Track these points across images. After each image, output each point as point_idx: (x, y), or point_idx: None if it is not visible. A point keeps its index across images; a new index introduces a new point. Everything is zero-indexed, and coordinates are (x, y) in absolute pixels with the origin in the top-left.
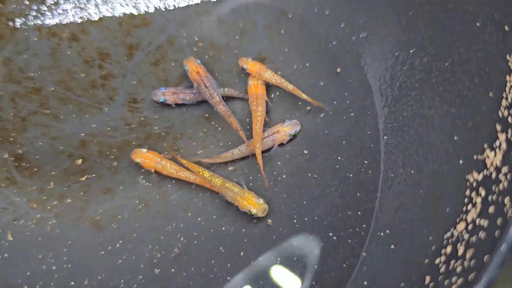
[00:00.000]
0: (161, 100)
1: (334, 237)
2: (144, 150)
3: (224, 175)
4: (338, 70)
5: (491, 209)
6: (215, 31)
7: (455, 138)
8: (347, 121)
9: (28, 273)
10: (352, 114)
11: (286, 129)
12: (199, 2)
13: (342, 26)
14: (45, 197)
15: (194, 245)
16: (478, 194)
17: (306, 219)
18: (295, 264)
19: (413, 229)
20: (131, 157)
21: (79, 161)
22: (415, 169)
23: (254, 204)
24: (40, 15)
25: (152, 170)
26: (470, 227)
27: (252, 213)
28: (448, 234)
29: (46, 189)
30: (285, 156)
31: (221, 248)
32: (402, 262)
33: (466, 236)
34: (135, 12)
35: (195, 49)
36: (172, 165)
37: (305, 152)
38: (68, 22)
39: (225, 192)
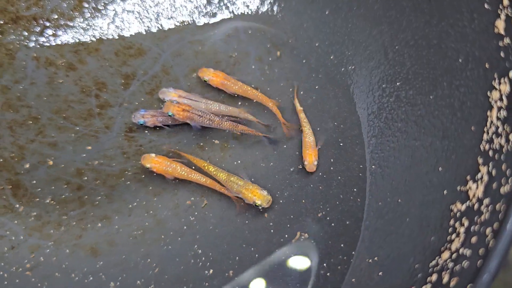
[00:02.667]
0: (140, 123)
1: (324, 264)
2: (153, 155)
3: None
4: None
5: (474, 239)
6: (208, 61)
7: (440, 169)
8: (335, 150)
9: None
10: (341, 144)
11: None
12: (193, 31)
13: (331, 58)
14: (42, 225)
15: (191, 265)
16: (461, 224)
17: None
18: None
19: (400, 257)
20: (141, 163)
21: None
22: (402, 198)
23: (258, 196)
24: (38, 45)
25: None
26: (454, 256)
27: (257, 204)
28: (434, 262)
29: (44, 216)
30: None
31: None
32: None
33: (450, 264)
34: (130, 43)
35: (189, 79)
36: (182, 168)
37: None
38: (65, 52)
39: (230, 185)
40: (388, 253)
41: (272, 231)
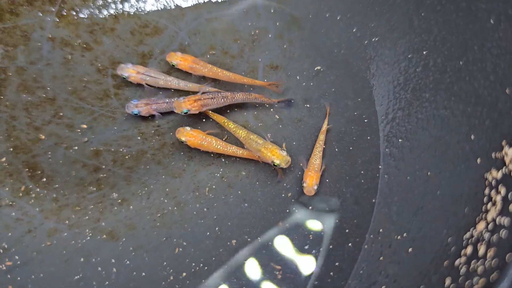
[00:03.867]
0: (134, 113)
1: (350, 244)
2: (188, 128)
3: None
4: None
5: None
6: (227, 39)
7: (472, 137)
8: (359, 126)
9: (41, 283)
10: (365, 121)
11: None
12: (210, 8)
13: (353, 30)
14: (60, 208)
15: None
16: (497, 192)
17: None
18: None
19: (431, 231)
20: (176, 136)
21: (99, 173)
22: (432, 171)
23: (278, 155)
24: (53, 26)
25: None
26: (490, 226)
27: (275, 164)
28: (468, 234)
29: (61, 199)
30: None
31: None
32: (421, 265)
33: (486, 235)
34: (146, 21)
35: (208, 57)
36: (218, 142)
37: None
38: (81, 32)
39: (249, 143)
40: (419, 229)
41: (293, 207)
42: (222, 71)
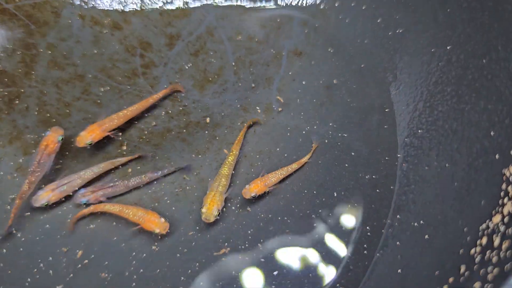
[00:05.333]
0: (83, 202)
1: (368, 227)
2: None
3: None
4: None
5: None
6: (253, 25)
7: (492, 133)
8: (380, 115)
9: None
10: (386, 110)
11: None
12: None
13: (378, 21)
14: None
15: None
16: None
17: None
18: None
19: (447, 220)
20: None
21: (124, 147)
22: (450, 163)
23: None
24: (83, 4)
25: None
26: (506, 219)
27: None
28: (484, 225)
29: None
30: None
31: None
32: (437, 252)
33: (502, 228)
34: (175, 3)
35: (234, 41)
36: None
37: (339, 144)
38: (111, 10)
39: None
40: (435, 217)
41: (314, 192)
42: (127, 109)
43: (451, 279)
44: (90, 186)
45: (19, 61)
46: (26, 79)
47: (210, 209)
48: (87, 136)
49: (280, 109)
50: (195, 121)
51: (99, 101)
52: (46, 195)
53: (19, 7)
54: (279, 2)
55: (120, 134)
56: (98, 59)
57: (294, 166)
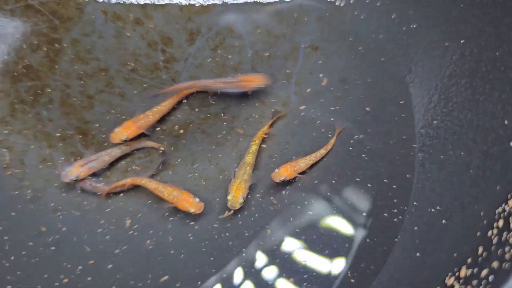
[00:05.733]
0: (73, 179)
1: (385, 214)
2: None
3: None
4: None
5: None
6: (271, 20)
7: (506, 122)
8: (396, 107)
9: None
10: (401, 102)
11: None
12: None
13: (392, 17)
14: (109, 173)
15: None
16: None
17: None
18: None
19: (464, 206)
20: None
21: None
22: (465, 151)
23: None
24: (106, 0)
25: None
26: None
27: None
28: (500, 209)
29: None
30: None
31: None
32: (454, 235)
33: None
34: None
35: (252, 36)
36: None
37: (355, 135)
38: (132, 7)
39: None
40: (452, 203)
41: (333, 181)
42: (160, 105)
43: (469, 260)
44: (75, 162)
45: (43, 56)
46: (50, 73)
47: (236, 196)
48: (123, 133)
49: (302, 107)
50: (214, 112)
51: (122, 93)
52: (75, 171)
53: (43, 3)
54: None
55: (154, 129)
56: (120, 54)
57: (322, 151)
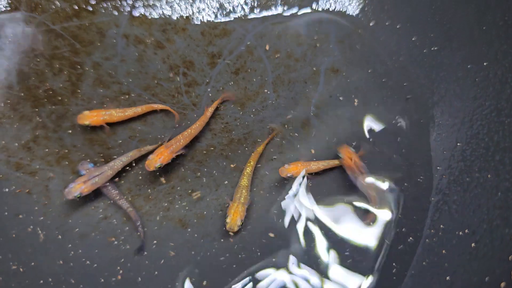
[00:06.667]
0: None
1: (411, 238)
2: (86, 111)
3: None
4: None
5: None
6: (291, 43)
7: None
8: (418, 128)
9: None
10: (421, 121)
11: None
12: (275, 14)
13: (413, 39)
14: (132, 198)
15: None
16: None
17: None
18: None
19: (493, 229)
20: (78, 123)
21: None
22: (492, 174)
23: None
24: (127, 24)
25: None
26: None
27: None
28: None
29: (133, 189)
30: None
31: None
32: (484, 259)
33: None
34: (215, 23)
35: (273, 59)
36: (118, 111)
37: (377, 158)
38: (154, 31)
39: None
40: (481, 226)
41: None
42: (190, 128)
43: (502, 284)
44: (77, 179)
45: (65, 80)
46: (73, 97)
47: (234, 219)
48: (156, 160)
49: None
50: (237, 138)
51: (144, 119)
52: (78, 187)
53: (65, 28)
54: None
55: (185, 153)
56: (142, 78)
57: (336, 162)
